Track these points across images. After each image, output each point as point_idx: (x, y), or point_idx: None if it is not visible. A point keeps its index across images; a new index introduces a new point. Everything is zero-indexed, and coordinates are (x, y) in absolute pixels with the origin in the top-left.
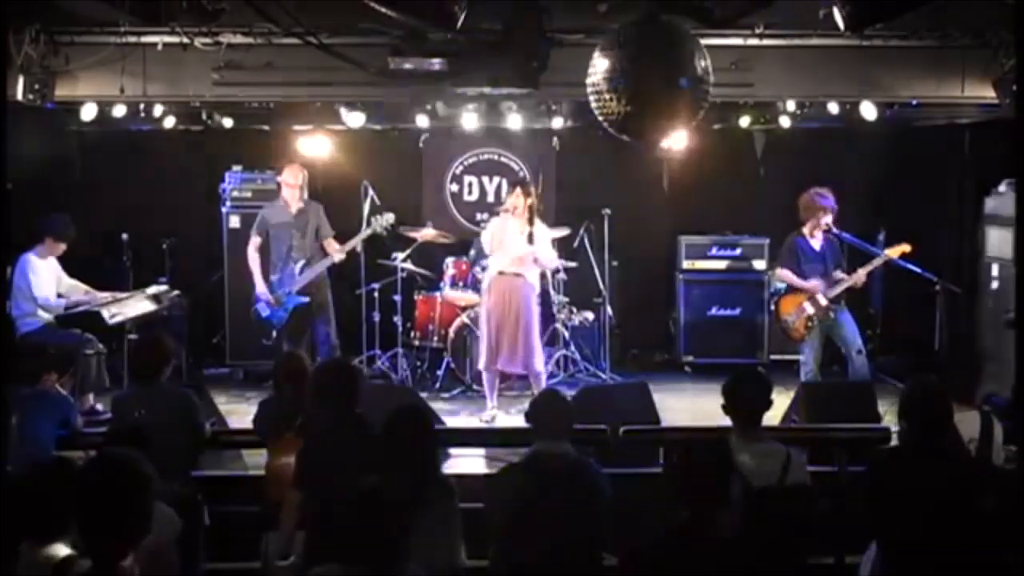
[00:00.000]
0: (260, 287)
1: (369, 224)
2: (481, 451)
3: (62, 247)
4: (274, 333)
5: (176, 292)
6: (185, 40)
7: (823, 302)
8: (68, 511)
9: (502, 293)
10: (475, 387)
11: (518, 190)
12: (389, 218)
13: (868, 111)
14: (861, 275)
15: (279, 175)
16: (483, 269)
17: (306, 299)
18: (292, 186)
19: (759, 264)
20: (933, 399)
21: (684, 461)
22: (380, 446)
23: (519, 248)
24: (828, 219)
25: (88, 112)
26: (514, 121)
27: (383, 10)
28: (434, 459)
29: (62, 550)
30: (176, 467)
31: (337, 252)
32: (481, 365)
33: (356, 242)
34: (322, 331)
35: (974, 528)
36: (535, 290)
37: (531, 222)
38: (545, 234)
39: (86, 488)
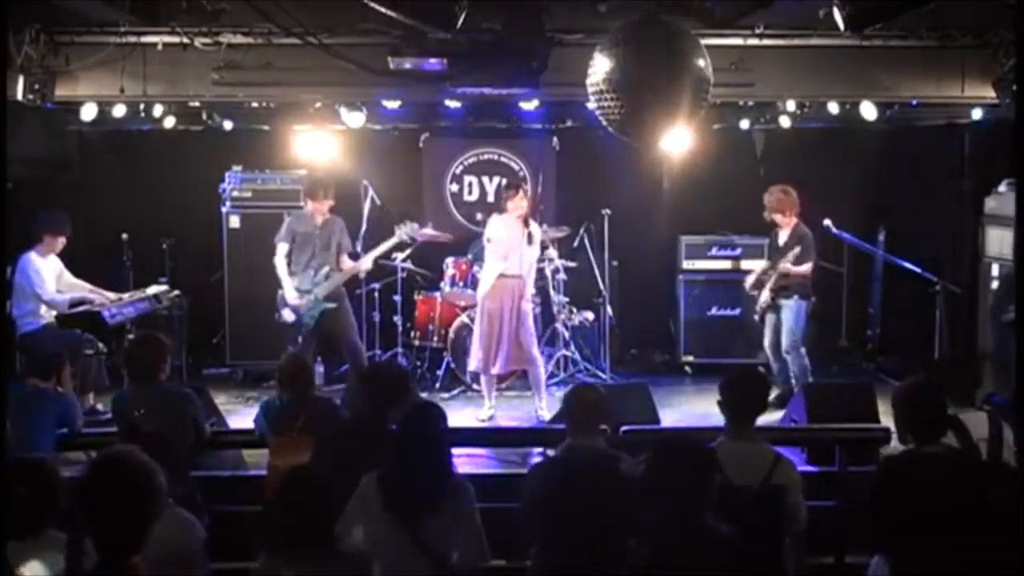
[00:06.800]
0: (291, 295)
1: (394, 233)
2: (481, 451)
3: (61, 241)
4: (299, 339)
5: (176, 292)
6: (185, 40)
7: (765, 295)
8: (43, 512)
9: (505, 296)
10: (475, 387)
11: (521, 192)
12: (414, 227)
13: (868, 111)
14: (781, 269)
15: (307, 201)
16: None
17: (334, 304)
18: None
19: (759, 264)
20: (925, 399)
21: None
22: (395, 444)
23: (523, 251)
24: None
25: (88, 112)
26: (514, 121)
27: (383, 10)
28: (449, 457)
29: (38, 570)
30: (176, 467)
31: (364, 261)
32: (474, 367)
33: (383, 250)
34: (351, 340)
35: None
36: (527, 285)
37: (527, 223)
38: (537, 231)
39: (91, 484)
